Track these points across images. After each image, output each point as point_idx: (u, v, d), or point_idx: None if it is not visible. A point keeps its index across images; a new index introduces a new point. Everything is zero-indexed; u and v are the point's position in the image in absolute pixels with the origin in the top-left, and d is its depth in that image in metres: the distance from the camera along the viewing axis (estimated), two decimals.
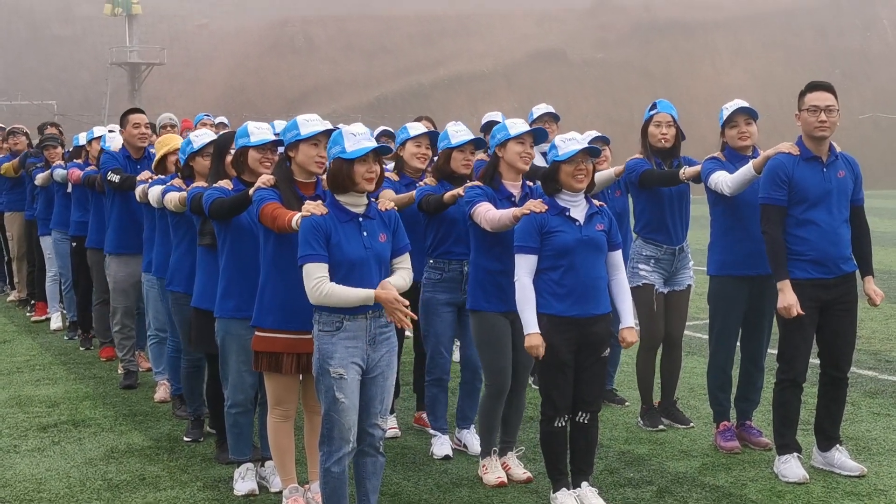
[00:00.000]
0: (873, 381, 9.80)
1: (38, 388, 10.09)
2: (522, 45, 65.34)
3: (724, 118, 7.61)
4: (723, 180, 7.32)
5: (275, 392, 6.38)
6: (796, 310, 6.78)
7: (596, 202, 6.49)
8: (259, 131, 6.68)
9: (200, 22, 65.79)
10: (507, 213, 6.47)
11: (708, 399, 8.05)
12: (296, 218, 5.81)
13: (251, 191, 6.29)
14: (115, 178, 9.53)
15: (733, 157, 7.56)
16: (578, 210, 6.36)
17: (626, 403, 9.00)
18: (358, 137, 5.72)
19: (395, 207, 6.11)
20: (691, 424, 8.33)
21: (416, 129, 8.08)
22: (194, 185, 7.27)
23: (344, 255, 5.67)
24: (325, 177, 6.04)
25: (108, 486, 7.13)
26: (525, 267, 6.32)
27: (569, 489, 6.51)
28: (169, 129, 11.74)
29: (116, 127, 12.03)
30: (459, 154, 7.40)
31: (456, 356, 9.46)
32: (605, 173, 8.09)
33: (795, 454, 7.05)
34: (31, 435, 8.42)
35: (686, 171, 7.76)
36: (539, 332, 6.22)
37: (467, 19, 68.78)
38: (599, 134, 8.49)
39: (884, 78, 71.05)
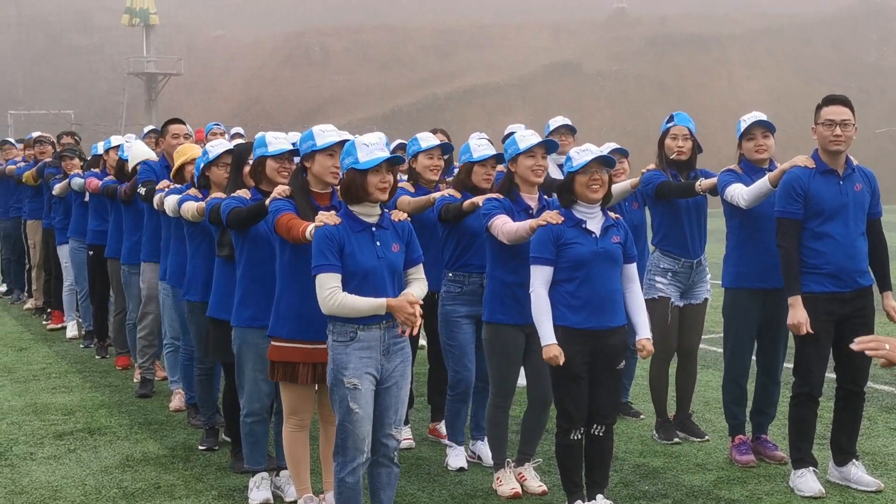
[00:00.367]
0: (890, 396, 9.76)
1: (54, 395, 10.12)
2: (537, 57, 65.37)
3: (742, 130, 7.61)
4: (738, 193, 7.32)
5: (290, 402, 6.40)
6: (806, 328, 6.78)
7: (612, 214, 6.49)
8: (276, 141, 6.71)
9: (217, 33, 66.02)
10: (524, 225, 6.47)
11: (723, 412, 8.03)
12: (309, 228, 5.83)
13: (267, 201, 6.32)
14: (142, 190, 9.54)
15: (750, 169, 7.55)
16: (594, 222, 6.36)
17: (642, 416, 8.99)
18: (371, 148, 5.74)
19: (409, 217, 6.13)
20: (706, 438, 8.32)
21: (428, 140, 8.06)
22: (212, 195, 7.29)
23: (357, 265, 5.69)
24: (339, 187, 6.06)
25: (123, 493, 7.15)
26: (541, 278, 6.32)
27: (584, 502, 6.50)
28: (183, 138, 11.76)
29: (132, 136, 12.09)
30: (481, 168, 7.39)
31: None
32: (622, 185, 8.09)
33: (811, 468, 7.03)
34: (48, 442, 8.45)
35: (702, 183, 7.76)
36: (556, 342, 6.22)
37: (482, 31, 68.86)
38: (618, 146, 8.48)
39: None
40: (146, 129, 14.08)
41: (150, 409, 9.55)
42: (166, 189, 8.65)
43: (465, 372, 7.62)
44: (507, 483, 7.02)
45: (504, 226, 6.62)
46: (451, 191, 7.50)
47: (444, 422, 8.26)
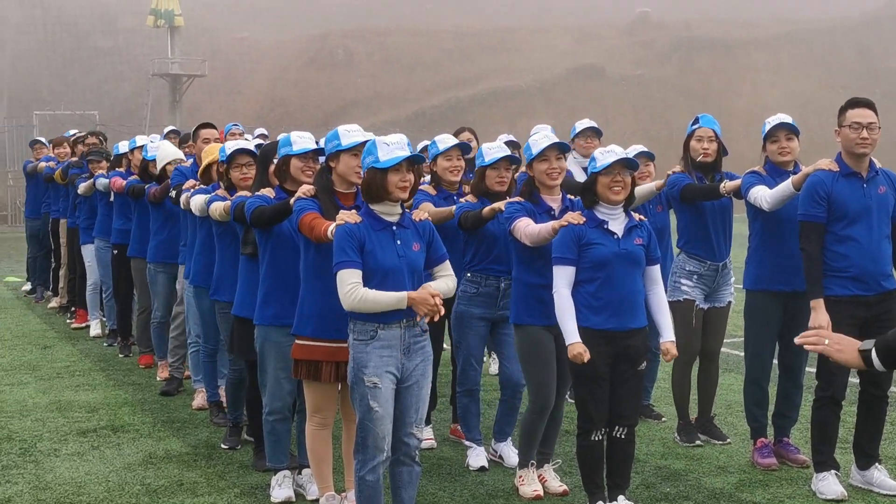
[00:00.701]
0: None
1: (77, 393, 10.18)
2: (561, 61, 65.33)
3: (766, 132, 7.60)
4: (762, 195, 7.31)
5: (313, 400, 6.42)
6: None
7: (636, 216, 6.49)
8: (301, 140, 6.74)
9: (241, 35, 66.21)
10: (546, 227, 6.48)
11: (745, 415, 8.02)
12: (331, 228, 5.86)
13: (292, 200, 6.35)
14: (173, 193, 9.60)
15: (774, 171, 7.55)
16: (617, 223, 6.36)
17: (664, 419, 8.98)
18: (391, 147, 5.77)
19: (430, 218, 6.15)
20: (728, 441, 8.30)
21: (445, 142, 8.06)
22: (238, 194, 7.34)
23: (377, 263, 5.72)
24: None
25: (146, 490, 7.19)
26: (563, 278, 6.33)
27: (605, 503, 6.51)
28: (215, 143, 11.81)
29: (157, 137, 12.15)
30: (493, 172, 7.42)
31: (493, 369, 9.50)
32: (646, 187, 8.08)
33: (833, 472, 7.01)
34: (71, 439, 8.50)
35: (726, 185, 7.75)
36: (580, 340, 6.22)
37: (506, 35, 68.85)
38: (644, 149, 8.47)
39: None
40: (166, 130, 14.16)
41: (172, 408, 9.60)
42: (192, 189, 8.71)
43: (472, 370, 7.70)
44: (529, 483, 7.02)
45: (527, 228, 6.63)
46: (469, 197, 7.52)
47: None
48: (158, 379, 10.62)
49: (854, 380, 7.25)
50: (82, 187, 12.96)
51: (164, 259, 10.28)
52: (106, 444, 8.35)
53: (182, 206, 8.92)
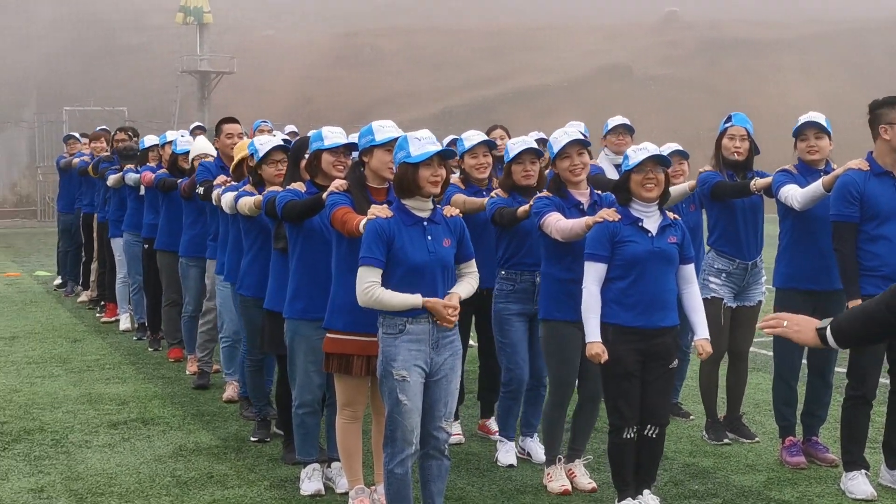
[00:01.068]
0: None
1: (108, 386, 10.26)
2: (588, 60, 65.14)
3: (795, 130, 7.58)
4: (793, 194, 7.30)
5: (344, 393, 6.46)
6: None
7: (670, 214, 6.49)
8: (333, 135, 6.78)
9: (269, 32, 66.35)
10: (580, 222, 6.50)
11: (773, 414, 8.01)
12: (362, 222, 5.89)
13: (324, 195, 6.39)
14: (201, 190, 9.65)
15: (805, 170, 7.53)
16: (651, 221, 6.36)
17: (692, 417, 8.97)
18: (423, 142, 5.80)
19: (461, 213, 6.18)
20: (756, 439, 8.29)
21: (470, 139, 8.08)
22: (268, 189, 7.38)
23: (408, 259, 5.75)
24: None
25: (176, 482, 7.25)
26: (594, 275, 6.33)
27: (633, 499, 6.52)
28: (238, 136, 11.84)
29: (185, 132, 12.22)
30: (518, 166, 7.45)
31: None
32: (680, 187, 8.05)
33: (863, 471, 7.00)
34: (102, 431, 8.57)
35: (757, 183, 7.72)
36: (600, 340, 6.23)
37: (533, 34, 68.70)
38: (679, 147, 8.46)
39: None
40: (192, 126, 14.24)
41: (202, 401, 9.65)
42: (224, 185, 8.76)
43: (518, 370, 7.65)
44: (557, 479, 7.05)
45: (558, 223, 6.64)
46: (498, 191, 7.55)
47: (493, 418, 8.31)
48: (188, 373, 10.67)
49: (884, 380, 7.24)
50: (111, 180, 13.04)
51: (196, 253, 10.34)
52: (136, 437, 8.41)
53: (214, 202, 8.97)
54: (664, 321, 6.36)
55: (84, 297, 15.98)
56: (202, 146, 10.26)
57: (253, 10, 67.84)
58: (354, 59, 64.48)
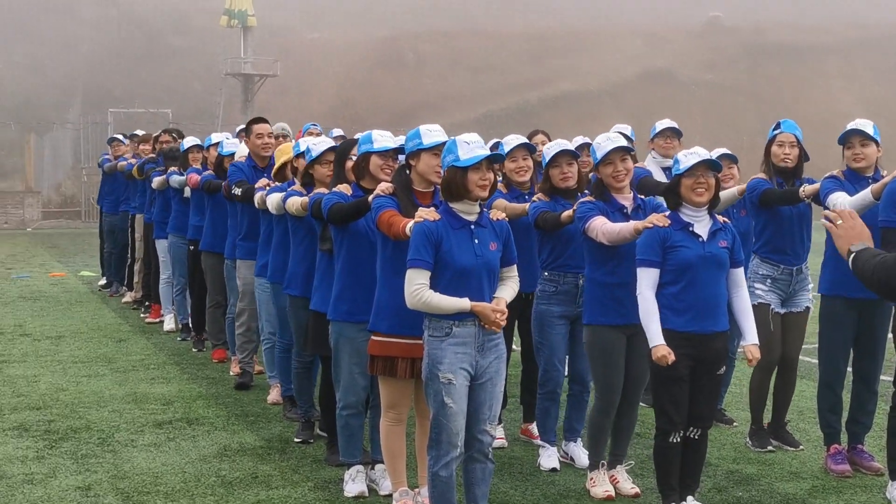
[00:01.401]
0: None
1: (152, 386, 10.34)
2: (630, 64, 64.96)
3: (841, 138, 7.54)
4: (841, 202, 7.23)
5: (389, 396, 6.49)
6: None
7: (720, 218, 6.47)
8: (382, 138, 6.80)
9: (311, 35, 66.60)
10: (628, 226, 6.50)
11: (818, 422, 7.97)
12: (409, 225, 5.92)
13: (370, 198, 6.42)
14: (238, 191, 9.72)
15: (853, 177, 7.48)
16: (702, 225, 6.35)
17: (735, 424, 8.93)
18: (471, 146, 5.83)
19: (507, 217, 6.20)
20: (801, 447, 8.25)
21: (509, 143, 8.10)
22: (315, 190, 7.42)
23: (455, 261, 5.78)
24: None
25: (221, 482, 7.30)
26: (648, 281, 6.32)
27: None
28: (282, 138, 11.91)
29: (229, 135, 12.30)
30: (555, 170, 7.49)
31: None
32: (730, 192, 8.02)
33: None
34: (148, 430, 8.64)
35: (806, 189, 7.68)
36: (664, 343, 6.21)
37: (575, 38, 68.57)
38: (728, 151, 8.44)
39: None
40: (238, 129, 14.32)
41: (246, 402, 9.72)
42: (267, 187, 8.81)
43: (554, 371, 7.68)
44: (600, 485, 7.04)
45: (604, 226, 6.64)
46: (540, 195, 7.57)
47: (536, 423, 8.31)
48: (231, 374, 10.74)
49: None
50: (156, 182, 13.16)
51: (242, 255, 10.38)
52: (181, 436, 8.48)
53: (257, 204, 9.02)
54: (716, 326, 6.35)
55: (129, 297, 16.11)
56: (244, 152, 10.35)
57: (296, 13, 68.14)
58: (396, 62, 64.60)
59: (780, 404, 8.36)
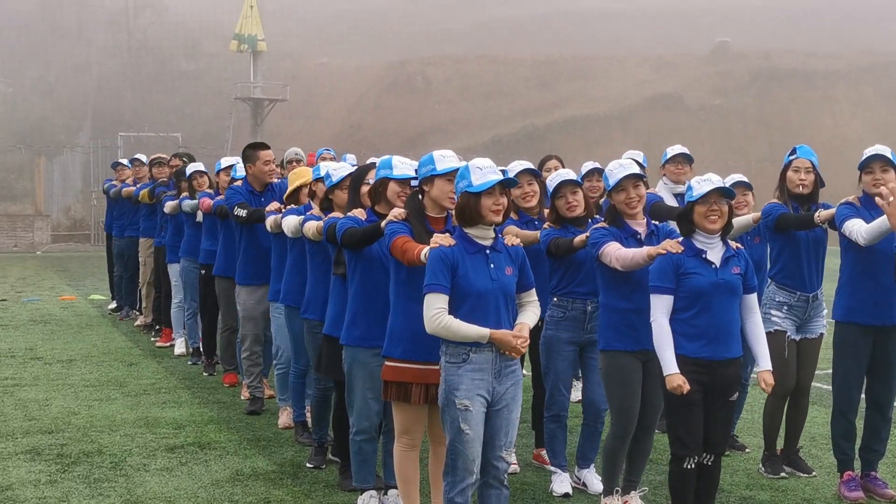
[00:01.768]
0: None
1: (164, 410, 10.34)
2: (639, 89, 65.09)
3: (861, 163, 7.54)
4: (857, 230, 7.22)
5: (402, 421, 6.48)
6: None
7: (733, 244, 6.48)
8: (402, 165, 6.80)
9: (321, 60, 66.87)
10: (641, 252, 6.51)
11: (831, 448, 7.95)
12: (424, 251, 5.93)
13: (383, 223, 6.44)
14: (242, 213, 9.76)
15: (869, 203, 7.47)
16: (714, 252, 6.35)
17: (747, 450, 8.92)
18: (484, 171, 5.85)
19: (521, 244, 6.22)
20: (814, 473, 8.23)
21: (513, 170, 8.10)
22: (331, 215, 7.45)
23: (471, 286, 5.79)
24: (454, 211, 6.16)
25: None
26: (661, 307, 6.32)
27: None
28: (295, 163, 11.97)
29: (237, 160, 12.35)
30: (560, 201, 7.52)
31: (576, 395, 9.50)
32: (744, 219, 8.03)
33: None
34: (160, 455, 8.64)
35: (821, 215, 7.68)
36: (678, 371, 6.21)
37: (584, 63, 68.75)
38: (743, 178, 8.45)
39: None
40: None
41: (258, 426, 9.71)
42: (279, 211, 8.84)
43: (560, 395, 7.72)
44: None
45: (617, 252, 6.66)
46: (548, 224, 7.60)
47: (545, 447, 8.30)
48: (243, 398, 10.74)
49: None
50: (168, 206, 13.21)
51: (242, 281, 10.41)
52: (194, 461, 8.48)
53: (269, 228, 9.05)
54: (728, 352, 6.34)
55: (139, 321, 16.13)
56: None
57: (306, 38, 68.45)
58: (405, 87, 64.82)
59: (792, 430, 8.35)
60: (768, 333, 7.84)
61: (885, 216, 7.04)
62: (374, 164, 7.16)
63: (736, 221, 7.09)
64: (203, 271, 12.01)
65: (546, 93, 64.90)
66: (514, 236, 6.35)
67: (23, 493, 7.58)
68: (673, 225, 6.96)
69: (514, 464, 8.30)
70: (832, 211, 7.61)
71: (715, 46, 72.35)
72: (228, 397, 10.99)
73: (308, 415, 9.01)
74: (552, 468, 7.89)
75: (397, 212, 6.43)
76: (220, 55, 58.60)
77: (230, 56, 54.72)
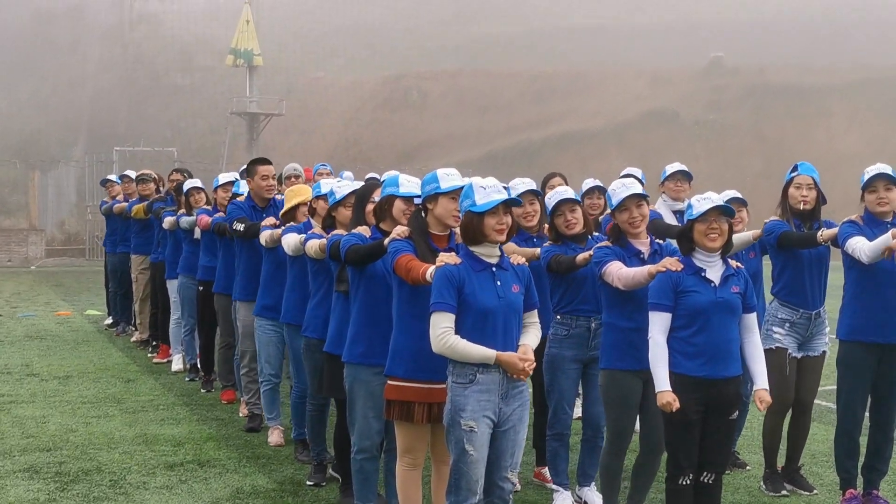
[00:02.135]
0: None
1: (162, 427, 10.30)
2: (634, 104, 65.23)
3: (864, 182, 7.54)
4: (860, 248, 7.22)
5: (405, 440, 6.45)
6: None
7: (733, 263, 6.47)
8: (409, 184, 6.77)
9: (316, 75, 66.97)
10: (642, 271, 6.50)
11: (834, 466, 7.93)
12: (430, 270, 5.92)
13: (386, 241, 6.41)
14: (240, 227, 9.76)
15: (872, 221, 7.48)
16: (714, 271, 6.35)
17: (748, 468, 8.90)
18: (488, 190, 5.84)
19: (527, 262, 6.20)
20: (815, 491, 8.21)
21: (515, 188, 8.09)
22: (333, 232, 7.42)
23: (478, 304, 5.77)
24: (458, 229, 6.15)
25: None
26: (659, 325, 6.32)
27: None
28: (294, 179, 11.94)
29: (235, 173, 12.34)
30: (559, 219, 7.53)
31: (577, 412, 9.48)
32: (744, 236, 8.04)
33: None
34: (159, 472, 8.60)
35: (824, 233, 7.68)
36: (670, 389, 6.21)
37: (579, 78, 68.91)
38: (737, 195, 8.46)
39: None
40: (242, 168, 14.37)
41: (256, 444, 9.67)
42: (274, 226, 8.82)
43: (563, 414, 7.70)
44: None
45: (619, 271, 6.65)
46: (549, 243, 7.60)
47: (547, 465, 8.28)
48: (241, 415, 10.71)
49: None
50: (166, 222, 13.17)
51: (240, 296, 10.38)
52: (193, 479, 8.44)
53: (264, 242, 9.03)
54: (727, 371, 6.33)
55: (136, 337, 16.08)
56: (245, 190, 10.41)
57: (302, 52, 68.54)
58: (400, 101, 64.95)
59: (793, 448, 8.33)
60: (769, 350, 7.86)
61: (889, 234, 7.03)
62: (379, 182, 7.14)
63: (735, 238, 7.10)
64: (201, 287, 11.98)
65: (541, 108, 65.03)
66: (518, 255, 6.35)
67: None
68: (675, 244, 6.95)
69: (516, 482, 8.25)
70: (835, 231, 7.59)
71: (710, 62, 72.54)
72: (227, 414, 10.95)
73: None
74: (553, 486, 7.87)
75: (400, 229, 6.41)
76: (215, 69, 58.70)
77: (226, 70, 54.82)
